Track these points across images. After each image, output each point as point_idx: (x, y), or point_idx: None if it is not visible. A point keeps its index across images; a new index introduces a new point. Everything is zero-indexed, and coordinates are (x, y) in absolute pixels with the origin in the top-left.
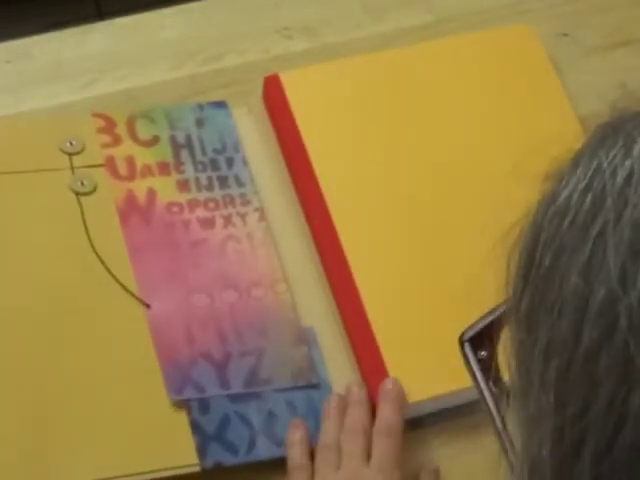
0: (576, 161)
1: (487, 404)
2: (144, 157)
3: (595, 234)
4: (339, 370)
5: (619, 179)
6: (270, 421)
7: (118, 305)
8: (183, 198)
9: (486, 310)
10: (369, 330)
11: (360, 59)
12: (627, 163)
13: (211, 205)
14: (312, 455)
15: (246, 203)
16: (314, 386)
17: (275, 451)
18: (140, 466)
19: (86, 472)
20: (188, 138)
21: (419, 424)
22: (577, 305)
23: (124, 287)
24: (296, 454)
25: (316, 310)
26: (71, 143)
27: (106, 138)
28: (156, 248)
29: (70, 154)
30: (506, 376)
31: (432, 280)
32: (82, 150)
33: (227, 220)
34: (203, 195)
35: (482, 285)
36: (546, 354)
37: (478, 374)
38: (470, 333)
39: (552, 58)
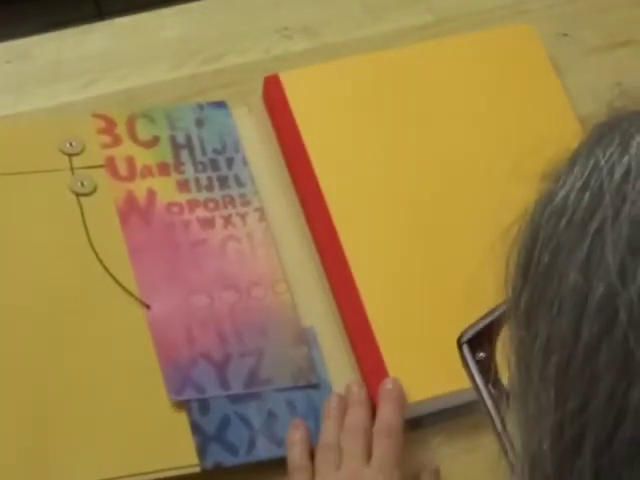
0: (573, 160)
1: (486, 406)
2: (144, 157)
3: (593, 231)
4: (339, 370)
5: (617, 176)
6: (270, 421)
7: (118, 305)
8: (183, 198)
9: (486, 310)
10: (369, 330)
11: (360, 59)
12: (624, 160)
13: (211, 205)
14: (312, 455)
15: (246, 203)
16: (314, 386)
17: (275, 451)
18: (140, 466)
19: (86, 472)
20: (188, 138)
21: (419, 424)
22: (576, 301)
23: (124, 287)
24: (296, 454)
25: (316, 310)
26: (71, 144)
27: (106, 138)
28: (156, 248)
29: (70, 155)
30: (505, 377)
31: (432, 280)
32: (82, 151)
33: (227, 220)
34: (203, 195)
35: (482, 285)
36: (546, 350)
37: (477, 376)
38: (468, 335)
39: (552, 58)
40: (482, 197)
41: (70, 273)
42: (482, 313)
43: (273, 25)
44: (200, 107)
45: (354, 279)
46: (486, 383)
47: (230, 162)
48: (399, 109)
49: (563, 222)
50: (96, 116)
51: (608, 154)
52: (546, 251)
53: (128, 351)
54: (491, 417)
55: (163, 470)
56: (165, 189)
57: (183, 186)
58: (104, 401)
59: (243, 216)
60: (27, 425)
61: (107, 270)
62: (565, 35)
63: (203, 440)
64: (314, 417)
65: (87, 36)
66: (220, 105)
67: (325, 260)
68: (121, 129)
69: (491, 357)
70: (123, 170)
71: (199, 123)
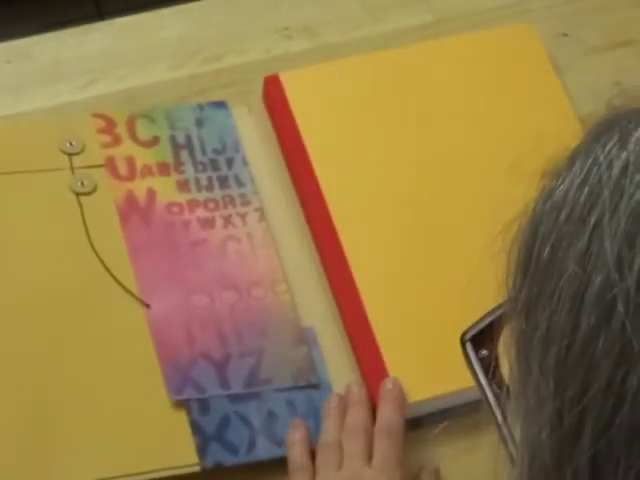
0: (573, 158)
1: (489, 403)
2: (144, 157)
3: (592, 224)
4: (339, 370)
5: (615, 171)
6: (270, 421)
7: (118, 305)
8: (183, 198)
9: (486, 310)
10: (369, 330)
11: (360, 59)
12: (623, 155)
13: (211, 205)
14: (313, 455)
15: (246, 203)
16: (314, 386)
17: (275, 451)
18: (140, 466)
19: (86, 472)
20: (188, 138)
21: (419, 424)
22: (575, 293)
23: (124, 287)
24: (297, 454)
25: (316, 310)
26: (71, 143)
27: (106, 138)
28: (156, 248)
29: (70, 154)
30: (507, 374)
31: (432, 280)
32: (82, 150)
33: (227, 220)
34: (203, 195)
35: (482, 285)
36: (545, 342)
37: (479, 373)
38: (471, 332)
39: (552, 58)
40: (482, 197)
41: (70, 273)
42: (482, 313)
43: (273, 25)
44: (200, 107)
45: (354, 279)
46: (489, 380)
47: (230, 162)
48: (399, 109)
49: (563, 216)
50: (96, 116)
51: (607, 150)
52: (546, 245)
53: (128, 351)
54: (493, 413)
55: (163, 470)
56: (165, 189)
57: (183, 186)
58: (104, 401)
59: (243, 216)
60: (27, 425)
61: (107, 269)
62: (565, 35)
63: (203, 440)
64: (314, 417)
65: (87, 36)
66: (220, 105)
67: (325, 260)
68: (121, 129)
69: (493, 354)
70: (123, 170)
71: (199, 123)
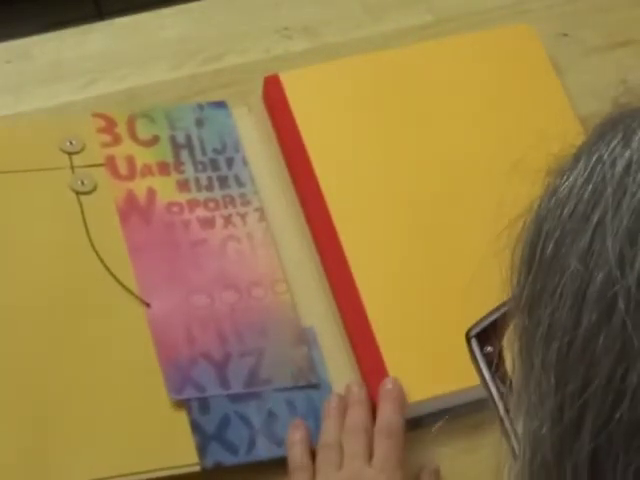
0: (577, 156)
1: (493, 399)
2: (144, 157)
3: (595, 222)
4: (339, 370)
5: (618, 169)
6: (270, 421)
7: (118, 305)
8: (183, 198)
9: (487, 309)
10: (369, 330)
11: (360, 59)
12: (627, 154)
13: (211, 205)
14: (313, 455)
15: (246, 203)
16: (314, 386)
17: (275, 451)
18: (140, 466)
19: (86, 472)
20: (188, 138)
21: (419, 424)
22: (577, 290)
23: (124, 287)
24: (297, 454)
25: (316, 310)
26: (71, 143)
27: (106, 138)
28: (156, 248)
29: (70, 153)
30: (510, 369)
31: (432, 280)
32: (82, 149)
33: (227, 220)
34: (203, 195)
35: (482, 285)
36: (547, 338)
37: (484, 369)
38: (477, 329)
39: (552, 58)
40: (482, 197)
41: (70, 272)
42: (482, 313)
43: (273, 25)
44: (200, 107)
45: (354, 279)
46: (493, 376)
47: (230, 162)
48: (399, 109)
49: (566, 213)
50: (96, 115)
51: (611, 148)
52: (550, 242)
53: (128, 350)
54: (497, 409)
55: (163, 469)
56: (165, 189)
57: (183, 186)
58: (104, 401)
59: (243, 216)
60: (27, 425)
61: (107, 269)
62: (565, 35)
63: (203, 439)
64: (314, 417)
65: (87, 36)
66: (220, 105)
67: (325, 260)
68: (121, 128)
69: (498, 351)
70: (123, 169)
71: (199, 123)
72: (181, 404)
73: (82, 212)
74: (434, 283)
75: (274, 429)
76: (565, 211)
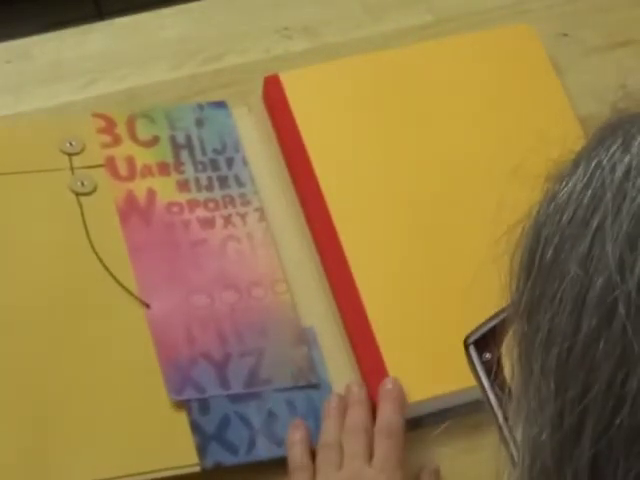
0: (577, 162)
1: (491, 406)
2: (144, 157)
3: (595, 227)
4: (339, 370)
5: (618, 174)
6: (270, 421)
7: (118, 305)
8: (183, 198)
9: (487, 310)
10: (369, 330)
11: (360, 59)
12: (626, 159)
13: (211, 205)
14: (312, 456)
15: (246, 203)
16: (314, 386)
17: (275, 451)
18: (140, 466)
19: (86, 472)
20: (188, 138)
21: (419, 424)
22: (577, 295)
23: (124, 287)
24: (297, 454)
25: (316, 310)
26: (71, 143)
27: (106, 138)
28: (156, 248)
29: (70, 154)
30: (509, 375)
31: (432, 280)
32: (82, 150)
33: (227, 220)
34: (203, 195)
35: (482, 285)
36: (547, 344)
37: (483, 376)
38: (475, 336)
39: (552, 58)
40: (482, 197)
41: (70, 273)
42: (482, 313)
43: (273, 25)
44: (200, 107)
45: (354, 279)
46: (492, 384)
47: (230, 162)
48: (399, 109)
49: (565, 219)
50: (96, 116)
51: (610, 153)
52: (549, 248)
53: (128, 351)
54: (496, 417)
55: (163, 470)
56: (165, 189)
57: (183, 186)
58: (104, 401)
59: (243, 216)
60: (27, 425)
61: (107, 269)
62: (565, 35)
63: (203, 440)
64: (314, 417)
65: (87, 36)
66: (220, 105)
67: (325, 260)
68: (121, 129)
69: (497, 358)
70: (123, 170)
71: (199, 123)
72: (181, 404)
73: (82, 213)
74: (434, 283)
75: (274, 429)
76: (564, 217)
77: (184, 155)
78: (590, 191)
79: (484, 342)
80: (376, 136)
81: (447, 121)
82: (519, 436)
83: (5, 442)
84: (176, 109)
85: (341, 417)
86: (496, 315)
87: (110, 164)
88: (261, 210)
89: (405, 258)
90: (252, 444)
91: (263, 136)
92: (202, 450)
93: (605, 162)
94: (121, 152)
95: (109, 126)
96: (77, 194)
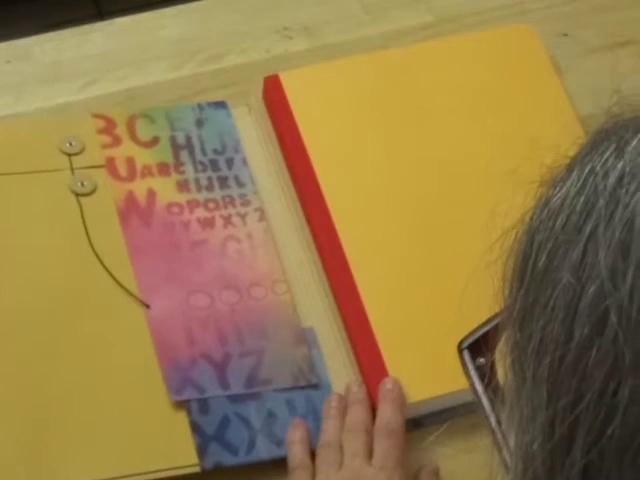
0: (570, 167)
1: (485, 410)
2: (144, 158)
3: (587, 234)
4: (339, 370)
5: (611, 180)
6: (270, 421)
7: (118, 305)
8: (183, 198)
9: (486, 311)
10: (369, 330)
11: (360, 59)
12: (619, 165)
13: (211, 205)
14: (312, 456)
15: (246, 203)
16: (314, 386)
17: (275, 451)
18: (140, 466)
19: (86, 472)
20: (188, 138)
21: (419, 424)
22: (569, 303)
23: (124, 287)
24: (297, 453)
25: (316, 310)
26: (71, 144)
27: (106, 138)
28: (156, 248)
29: (70, 155)
30: (502, 381)
31: (432, 280)
32: (82, 151)
33: (227, 220)
34: (203, 195)
35: (481, 285)
36: (539, 352)
37: (476, 381)
38: (469, 340)
39: (552, 58)
40: (482, 197)
41: (70, 273)
42: (481, 314)
43: (273, 25)
44: (200, 107)
45: (354, 279)
46: (485, 388)
47: (230, 162)
48: (399, 109)
49: (559, 225)
50: (96, 116)
51: (604, 159)
52: (542, 254)
53: (128, 351)
54: (489, 421)
55: (163, 470)
56: (165, 189)
57: (183, 186)
58: (104, 401)
59: (243, 216)
60: (27, 425)
61: (107, 270)
62: (565, 35)
63: (203, 440)
64: (314, 417)
65: (87, 36)
66: (220, 105)
67: (325, 260)
68: (121, 129)
69: (490, 363)
70: (123, 170)
71: (199, 123)
72: (181, 405)
73: (82, 214)
74: (434, 283)
75: (274, 429)
76: (558, 222)
77: (184, 155)
78: (583, 197)
79: (478, 347)
80: (376, 136)
81: (447, 121)
82: (512, 442)
83: (5, 442)
84: (176, 109)
85: (341, 416)
86: (490, 320)
87: (110, 164)
88: (261, 210)
89: (405, 258)
90: (252, 444)
91: (263, 136)
92: (202, 450)
93: (598, 168)
94: (121, 152)
95: (109, 126)
96: (77, 194)
